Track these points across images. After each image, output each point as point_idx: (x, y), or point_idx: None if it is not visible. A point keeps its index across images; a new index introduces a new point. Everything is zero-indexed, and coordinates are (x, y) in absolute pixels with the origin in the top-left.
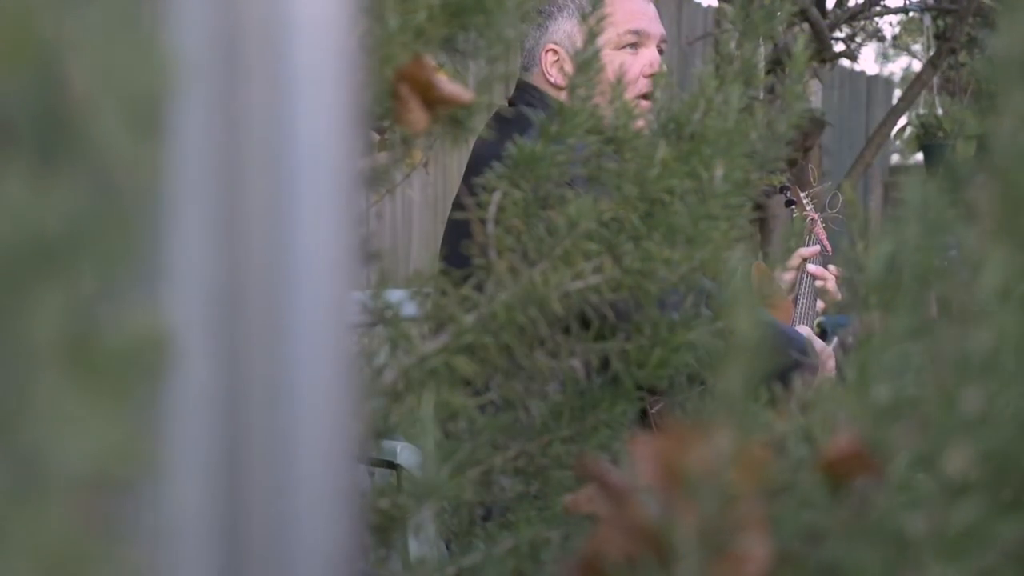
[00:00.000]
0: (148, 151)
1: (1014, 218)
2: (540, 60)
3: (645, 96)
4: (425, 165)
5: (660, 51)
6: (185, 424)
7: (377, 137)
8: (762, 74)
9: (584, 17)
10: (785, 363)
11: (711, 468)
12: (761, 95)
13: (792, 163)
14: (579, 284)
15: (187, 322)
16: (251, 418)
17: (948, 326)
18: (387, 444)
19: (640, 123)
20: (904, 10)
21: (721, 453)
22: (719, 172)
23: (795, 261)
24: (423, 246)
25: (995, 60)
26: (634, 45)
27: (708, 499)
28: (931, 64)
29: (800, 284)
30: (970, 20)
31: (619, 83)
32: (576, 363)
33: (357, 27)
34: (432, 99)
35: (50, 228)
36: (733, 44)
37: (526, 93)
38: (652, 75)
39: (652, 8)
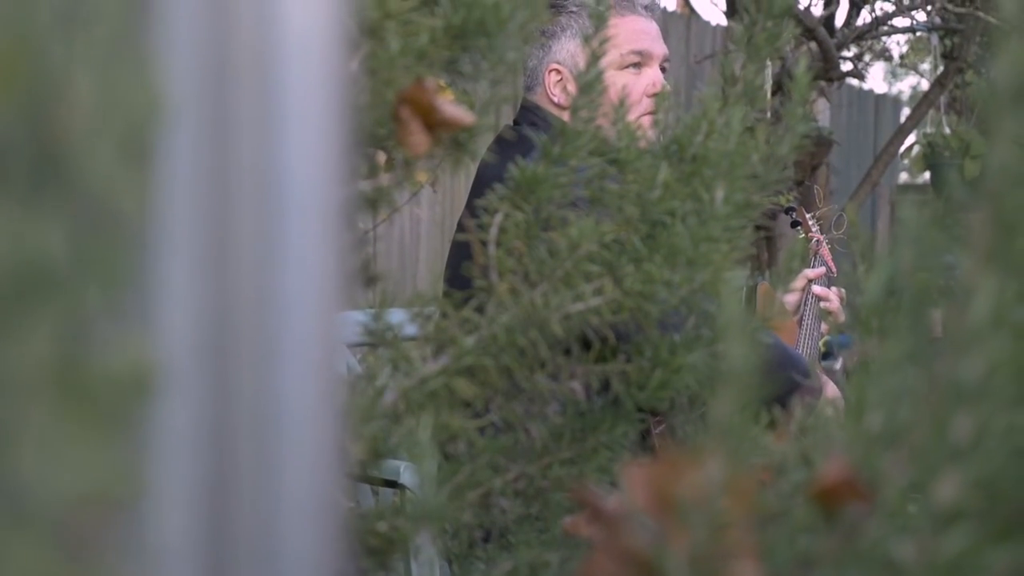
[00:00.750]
0: (138, 180)
1: (1007, 244)
2: (544, 80)
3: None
4: (432, 184)
5: (663, 70)
6: (173, 451)
7: (383, 157)
8: (769, 94)
9: (586, 39)
10: (785, 386)
11: (703, 495)
12: (768, 115)
13: (799, 183)
14: (580, 306)
15: (176, 350)
16: (239, 446)
17: (941, 352)
18: (390, 464)
19: (643, 143)
20: (911, 30)
21: (713, 480)
22: (720, 194)
23: (800, 282)
24: (431, 264)
25: (991, 86)
26: (637, 65)
27: (700, 526)
28: (938, 83)
29: (805, 305)
30: (977, 40)
31: (621, 105)
32: (576, 385)
33: (349, 55)
34: (434, 122)
35: (39, 256)
36: (738, 66)
37: (529, 113)
38: (655, 95)
39: (655, 27)
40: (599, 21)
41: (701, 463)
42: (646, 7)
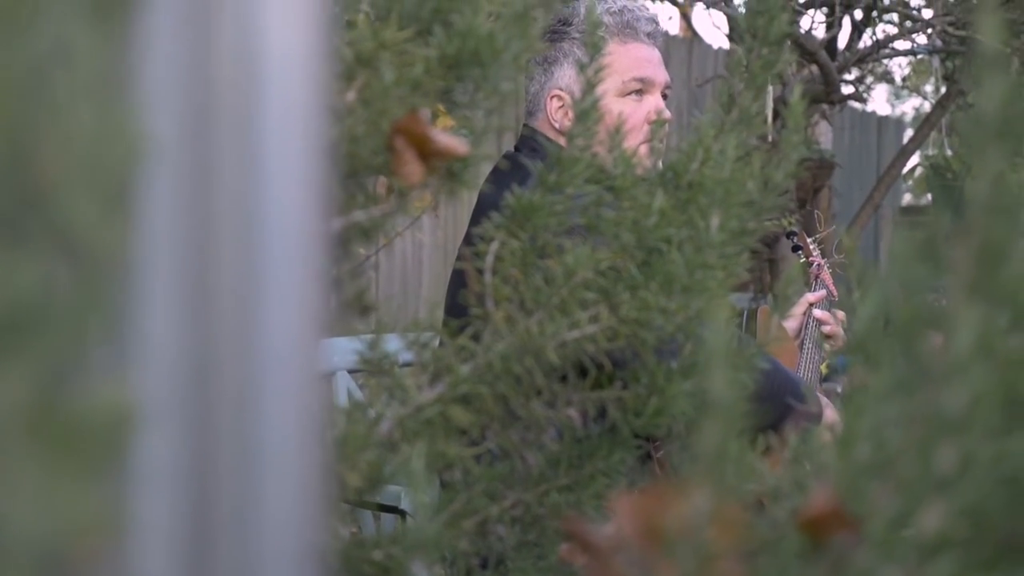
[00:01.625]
0: (119, 220)
1: (989, 276)
2: (545, 106)
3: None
4: (435, 208)
5: (665, 97)
6: (156, 487)
7: (385, 184)
8: (770, 119)
9: (581, 67)
10: (779, 411)
11: (690, 526)
12: (770, 138)
13: (802, 205)
14: (575, 334)
15: (159, 386)
16: (221, 481)
17: (924, 383)
18: (391, 489)
19: (640, 169)
20: (912, 52)
21: (700, 511)
22: (715, 221)
23: (801, 307)
24: (433, 289)
25: (975, 117)
26: (639, 92)
27: (687, 557)
28: (940, 105)
29: (806, 328)
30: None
31: (618, 131)
32: (573, 412)
33: (345, 86)
34: (428, 152)
35: (20, 298)
36: (736, 92)
37: (530, 139)
38: (655, 122)
39: (657, 54)
40: (594, 49)
41: (688, 494)
42: (649, 34)
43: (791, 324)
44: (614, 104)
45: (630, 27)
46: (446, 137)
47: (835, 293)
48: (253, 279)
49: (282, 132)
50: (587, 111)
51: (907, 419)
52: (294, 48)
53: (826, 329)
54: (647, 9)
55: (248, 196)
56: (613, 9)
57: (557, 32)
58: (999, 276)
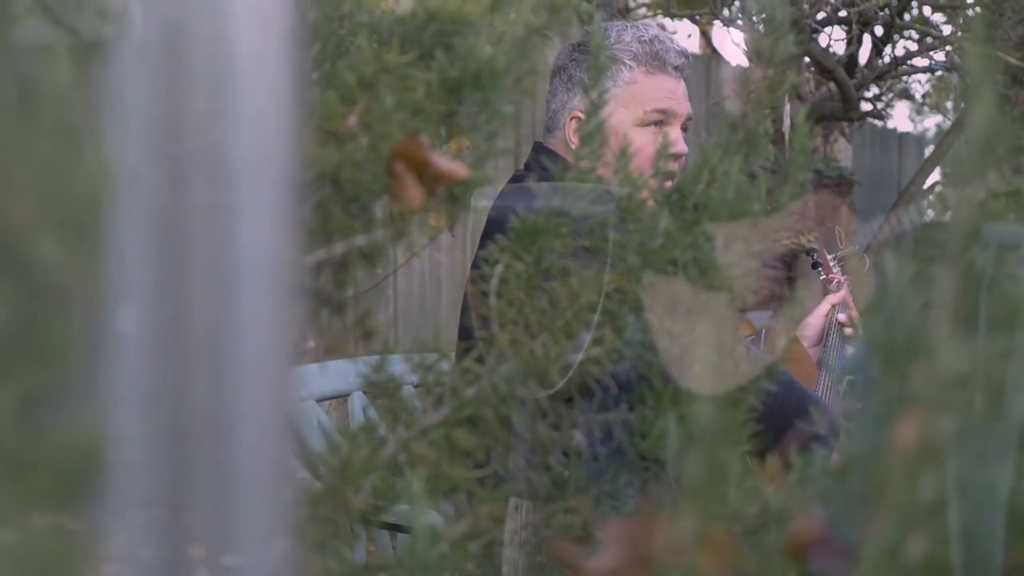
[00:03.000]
0: (89, 258)
1: (973, 301)
2: (564, 125)
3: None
4: (451, 228)
5: (684, 128)
6: (130, 525)
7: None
8: (787, 138)
9: (585, 89)
10: (781, 431)
11: (679, 552)
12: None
13: (821, 223)
14: (580, 356)
15: (131, 423)
16: (195, 516)
17: (909, 410)
18: (403, 509)
19: (644, 194)
20: (930, 69)
21: (687, 538)
22: (720, 243)
23: (825, 307)
24: (452, 308)
25: (965, 144)
26: (659, 123)
27: None
28: (959, 123)
29: (828, 336)
30: (998, 79)
31: (623, 154)
32: (578, 434)
33: (298, 128)
34: (428, 176)
35: None
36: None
37: (542, 158)
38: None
39: (683, 87)
40: (597, 72)
41: (676, 520)
42: (677, 68)
43: (815, 323)
44: (633, 133)
45: (659, 58)
46: (446, 161)
47: (854, 309)
48: (225, 311)
49: (254, 166)
50: (592, 133)
51: (895, 446)
52: (267, 81)
53: (848, 331)
54: (677, 42)
55: (220, 229)
56: (644, 38)
57: (587, 52)
58: (983, 302)
